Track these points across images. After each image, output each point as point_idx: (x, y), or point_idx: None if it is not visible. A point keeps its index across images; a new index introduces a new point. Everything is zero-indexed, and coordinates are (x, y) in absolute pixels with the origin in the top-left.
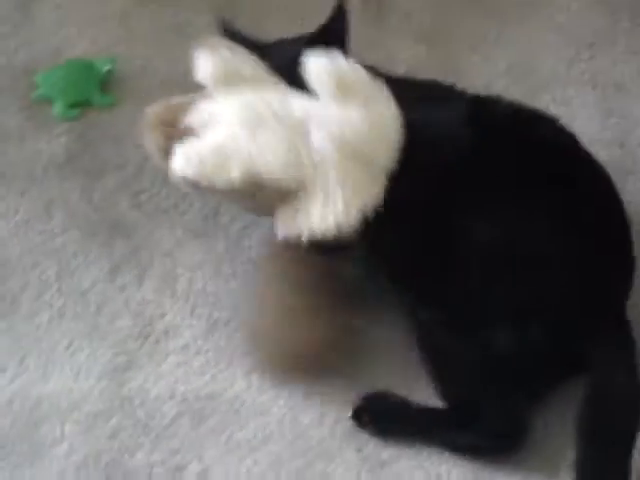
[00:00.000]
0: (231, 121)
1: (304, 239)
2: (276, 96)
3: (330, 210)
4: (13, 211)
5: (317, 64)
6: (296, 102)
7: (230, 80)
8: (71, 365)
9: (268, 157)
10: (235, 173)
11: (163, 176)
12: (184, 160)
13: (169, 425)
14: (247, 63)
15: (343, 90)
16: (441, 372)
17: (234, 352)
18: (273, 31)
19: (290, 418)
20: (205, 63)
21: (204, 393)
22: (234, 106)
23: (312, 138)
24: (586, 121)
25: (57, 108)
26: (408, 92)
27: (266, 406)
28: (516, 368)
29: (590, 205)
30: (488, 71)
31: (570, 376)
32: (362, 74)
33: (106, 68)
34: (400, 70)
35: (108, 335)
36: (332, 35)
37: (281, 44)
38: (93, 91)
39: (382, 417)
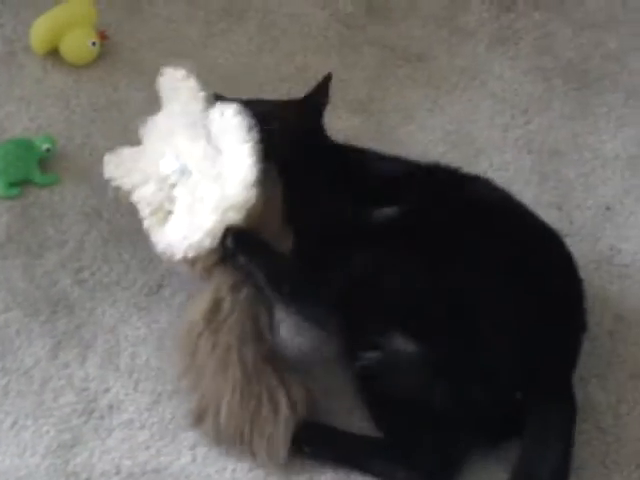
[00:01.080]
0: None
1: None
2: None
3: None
4: None
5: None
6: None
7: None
8: (17, 443)
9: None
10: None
11: (104, 252)
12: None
13: None
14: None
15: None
16: (379, 408)
17: (179, 425)
18: None
19: None
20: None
21: (150, 467)
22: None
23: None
24: (524, 185)
25: None
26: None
27: (212, 478)
28: (452, 418)
29: (539, 262)
30: (425, 139)
31: (509, 434)
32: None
33: (46, 146)
34: (338, 140)
35: (52, 412)
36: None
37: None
38: (33, 169)
39: (320, 446)
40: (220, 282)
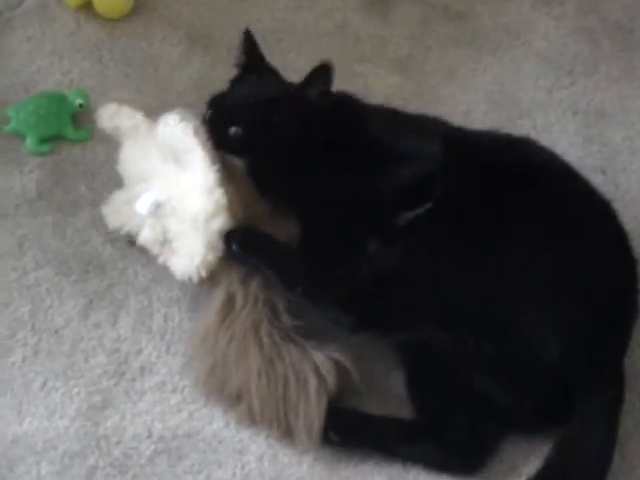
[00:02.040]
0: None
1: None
2: None
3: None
4: None
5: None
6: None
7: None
8: (46, 404)
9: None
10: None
11: None
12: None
13: (146, 464)
14: (131, 117)
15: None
16: (421, 381)
17: None
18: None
19: (269, 456)
20: (107, 114)
21: (182, 431)
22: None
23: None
24: (567, 148)
25: (29, 143)
26: (390, 124)
27: (245, 444)
28: (494, 404)
29: (590, 241)
30: (467, 99)
31: (551, 422)
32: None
33: (78, 101)
34: (378, 100)
35: (83, 373)
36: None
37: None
38: (66, 125)
39: (347, 432)
40: (230, 278)
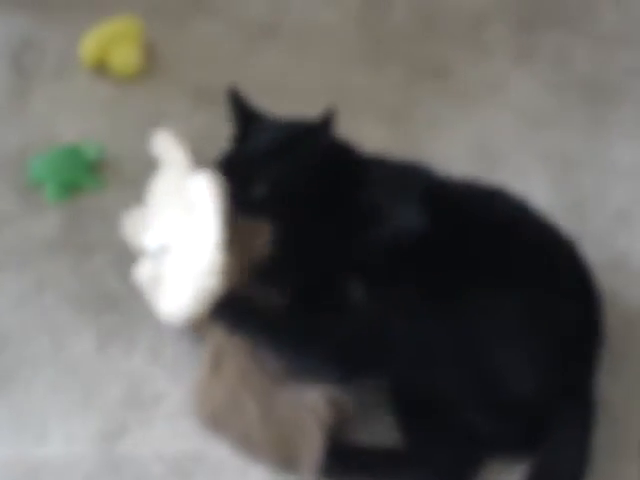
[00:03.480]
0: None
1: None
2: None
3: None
4: (8, 289)
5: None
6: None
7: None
8: (65, 432)
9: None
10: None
11: None
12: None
13: None
14: (181, 154)
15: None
16: (407, 411)
17: None
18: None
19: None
20: (163, 141)
21: (191, 455)
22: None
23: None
24: (542, 192)
25: (49, 191)
26: (376, 171)
27: (250, 465)
28: (477, 432)
29: (555, 282)
30: (449, 149)
31: (528, 447)
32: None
33: (94, 153)
34: (365, 149)
35: (99, 403)
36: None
37: (273, 122)
38: (83, 174)
39: (340, 464)
40: (216, 330)
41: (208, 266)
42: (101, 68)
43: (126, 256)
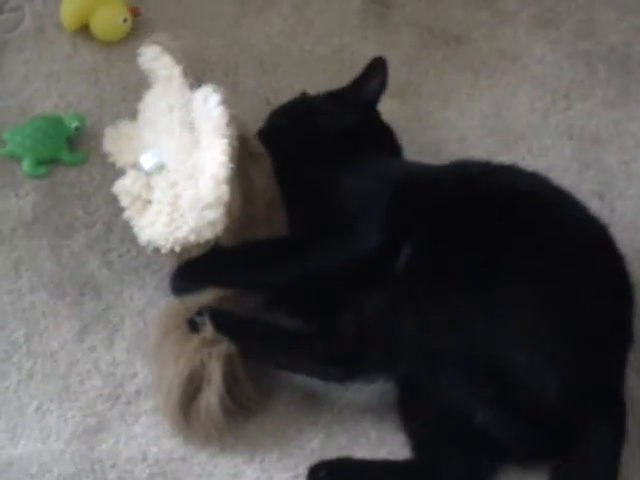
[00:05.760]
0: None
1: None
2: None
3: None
4: None
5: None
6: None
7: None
8: (41, 427)
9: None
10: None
11: (132, 235)
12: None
13: None
14: (169, 67)
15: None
16: (416, 418)
17: None
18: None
19: None
20: (148, 55)
21: (177, 455)
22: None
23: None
24: (563, 172)
25: (25, 165)
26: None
27: (240, 468)
28: (488, 441)
29: (585, 271)
30: (463, 124)
31: (551, 454)
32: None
33: (75, 124)
34: None
35: (78, 396)
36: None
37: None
38: (62, 148)
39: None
40: (195, 341)
41: (211, 200)
42: (83, 32)
43: (108, 237)
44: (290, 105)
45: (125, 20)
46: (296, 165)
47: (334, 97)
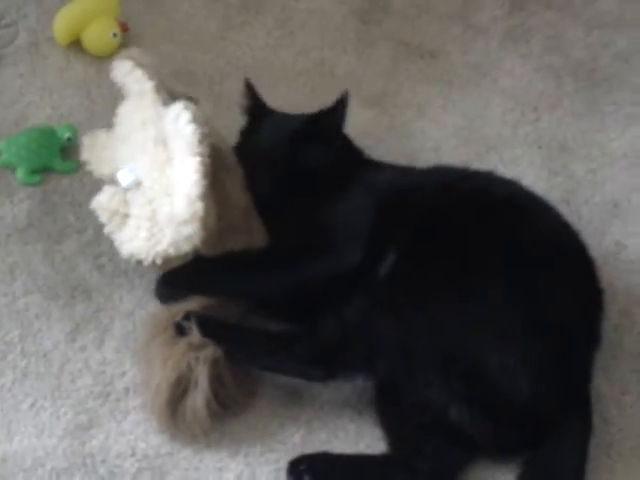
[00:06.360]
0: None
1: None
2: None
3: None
4: None
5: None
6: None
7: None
8: (35, 424)
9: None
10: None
11: None
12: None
13: None
14: (141, 82)
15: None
16: (393, 415)
17: None
18: None
19: (248, 474)
20: (121, 70)
21: (164, 450)
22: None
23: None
24: (533, 180)
25: (19, 174)
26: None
27: (224, 462)
28: (462, 436)
29: (553, 276)
30: (437, 135)
31: (522, 448)
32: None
33: (67, 135)
34: (351, 134)
35: (70, 394)
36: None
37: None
38: (54, 158)
39: (322, 475)
40: (182, 344)
41: (187, 216)
42: (75, 46)
43: (98, 242)
44: (266, 129)
45: (115, 35)
46: (276, 193)
47: (310, 125)
